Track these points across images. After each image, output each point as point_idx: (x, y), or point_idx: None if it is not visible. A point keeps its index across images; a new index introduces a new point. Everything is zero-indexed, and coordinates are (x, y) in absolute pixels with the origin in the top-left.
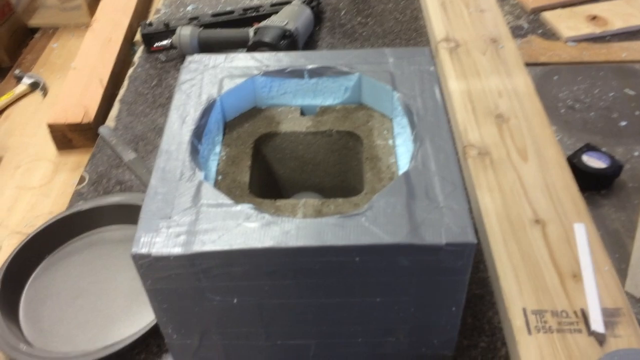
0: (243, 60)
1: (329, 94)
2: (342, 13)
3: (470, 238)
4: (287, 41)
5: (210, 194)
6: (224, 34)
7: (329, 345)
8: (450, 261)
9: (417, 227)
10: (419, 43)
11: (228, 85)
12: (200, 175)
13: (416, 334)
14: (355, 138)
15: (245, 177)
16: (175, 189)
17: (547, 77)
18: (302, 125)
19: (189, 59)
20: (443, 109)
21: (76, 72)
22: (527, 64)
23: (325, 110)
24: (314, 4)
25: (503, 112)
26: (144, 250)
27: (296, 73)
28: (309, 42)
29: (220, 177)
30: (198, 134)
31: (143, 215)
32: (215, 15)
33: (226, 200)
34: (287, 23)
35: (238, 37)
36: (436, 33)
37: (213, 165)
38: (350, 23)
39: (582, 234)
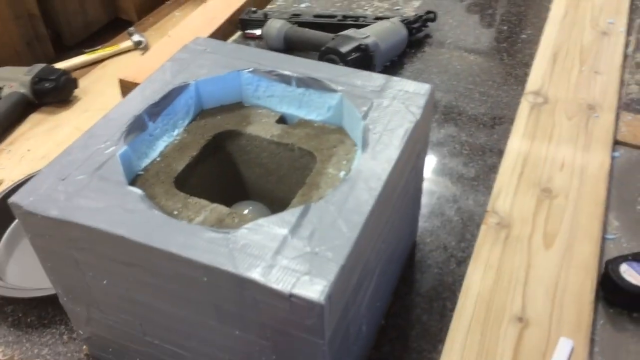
0: (247, 53)
1: (313, 108)
2: (447, 41)
3: (319, 297)
4: (359, 55)
5: (113, 169)
6: (308, 34)
7: None
8: (300, 316)
9: (274, 266)
10: (512, 90)
11: (214, 73)
12: (119, 148)
13: None
14: (315, 160)
15: (180, 165)
16: (90, 152)
17: None
18: (269, 132)
19: (195, 39)
20: (399, 155)
21: (169, 39)
22: (626, 144)
23: (303, 123)
24: (416, 25)
25: (553, 188)
26: (19, 201)
27: (284, 78)
28: (396, 63)
29: (158, 159)
30: (154, 112)
31: (45, 168)
32: (316, 16)
33: (122, 179)
34: (367, 37)
35: (320, 40)
36: (529, 84)
37: (161, 146)
38: (449, 53)
39: (564, 351)
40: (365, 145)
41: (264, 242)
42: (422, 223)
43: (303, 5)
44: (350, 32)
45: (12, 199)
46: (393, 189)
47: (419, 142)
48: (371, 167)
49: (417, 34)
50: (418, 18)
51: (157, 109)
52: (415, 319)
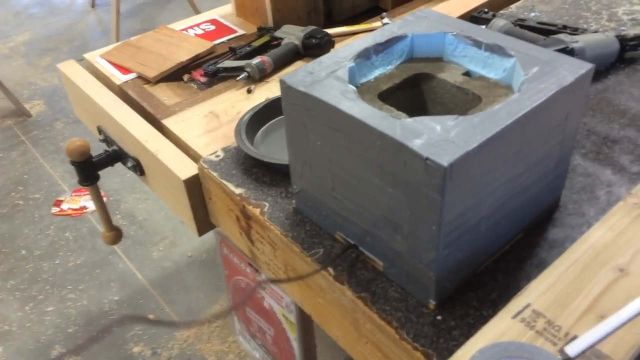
0: (455, 23)
1: (493, 69)
2: None
3: (443, 163)
4: None
5: (342, 75)
6: (523, 34)
7: (361, 224)
8: (430, 175)
9: (422, 142)
10: None
11: (427, 32)
12: (349, 64)
13: (412, 239)
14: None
15: (384, 87)
16: (332, 62)
17: None
18: (455, 80)
19: (421, 9)
20: (541, 103)
21: None
22: None
23: (481, 78)
24: (632, 42)
25: None
26: (285, 79)
27: (477, 43)
28: (601, 73)
29: (372, 80)
30: (378, 49)
31: (299, 69)
32: (539, 23)
33: (345, 81)
34: (576, 42)
35: (532, 39)
36: None
37: (377, 72)
38: None
39: None
40: (519, 91)
41: (421, 128)
42: (571, 194)
43: (532, 14)
44: (561, 36)
45: (282, 78)
46: (530, 127)
47: (568, 106)
48: (516, 104)
49: (631, 52)
50: (636, 37)
51: (380, 47)
52: (535, 253)
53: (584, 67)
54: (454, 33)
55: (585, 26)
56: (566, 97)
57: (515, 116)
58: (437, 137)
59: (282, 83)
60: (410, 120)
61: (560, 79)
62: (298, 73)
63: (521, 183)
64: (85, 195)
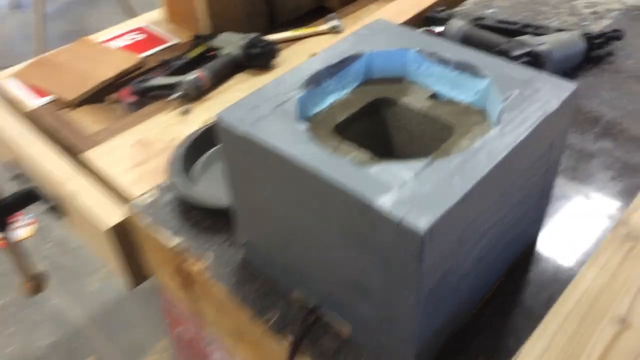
0: (417, 37)
1: (463, 90)
2: (629, 61)
3: (418, 229)
4: (529, 60)
5: (289, 108)
6: (485, 36)
7: (321, 284)
8: (405, 242)
9: (392, 199)
10: None
11: (385, 49)
12: (297, 94)
13: (384, 308)
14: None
15: (341, 117)
16: (276, 93)
17: None
18: (420, 105)
19: (377, 20)
20: (526, 136)
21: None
22: None
23: (451, 102)
24: (598, 41)
25: None
26: (224, 117)
27: (444, 61)
28: (569, 74)
29: (326, 109)
30: (330, 72)
31: (240, 101)
32: (499, 21)
33: (294, 116)
34: (541, 44)
35: (494, 42)
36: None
37: (331, 98)
38: (628, 73)
39: None
40: (497, 123)
41: (389, 179)
42: (551, 222)
43: (489, 10)
44: (525, 38)
45: (219, 114)
46: (515, 165)
47: (553, 134)
48: (498, 141)
49: (598, 50)
50: (602, 34)
51: (333, 70)
52: (520, 301)
53: (567, 88)
54: (417, 49)
55: (546, 22)
56: (551, 125)
57: (499, 157)
58: (409, 191)
59: (220, 121)
60: (375, 168)
61: (544, 104)
62: (238, 108)
63: (504, 225)
64: (10, 222)
